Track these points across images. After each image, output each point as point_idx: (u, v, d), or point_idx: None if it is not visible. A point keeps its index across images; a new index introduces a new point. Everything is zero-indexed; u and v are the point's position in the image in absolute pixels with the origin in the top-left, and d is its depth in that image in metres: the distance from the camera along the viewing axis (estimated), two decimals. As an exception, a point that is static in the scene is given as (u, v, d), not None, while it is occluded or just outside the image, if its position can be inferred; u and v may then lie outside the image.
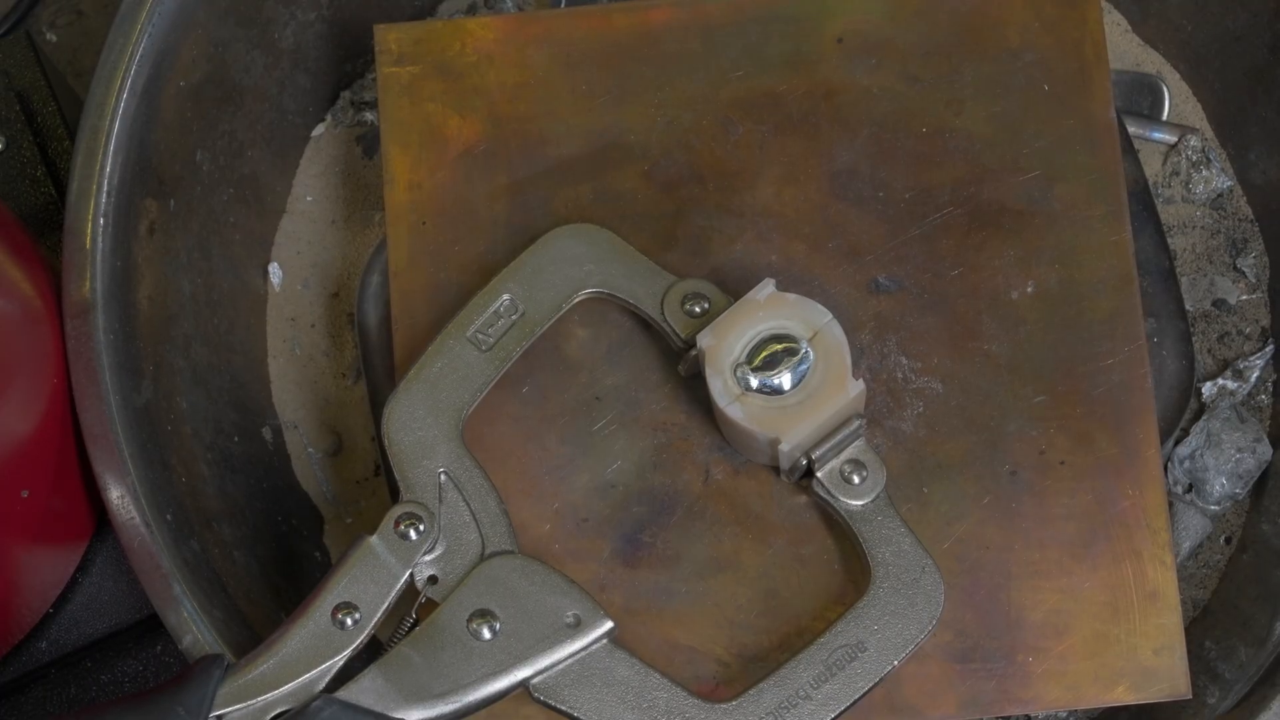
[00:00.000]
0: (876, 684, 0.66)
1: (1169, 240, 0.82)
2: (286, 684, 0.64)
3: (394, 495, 0.71)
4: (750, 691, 0.66)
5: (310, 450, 0.84)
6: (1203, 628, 0.78)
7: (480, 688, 0.65)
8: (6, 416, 0.69)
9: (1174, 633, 0.70)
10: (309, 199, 0.87)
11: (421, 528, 0.67)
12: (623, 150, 0.75)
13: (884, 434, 0.71)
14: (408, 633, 0.67)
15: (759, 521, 0.71)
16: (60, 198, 0.80)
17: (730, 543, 0.71)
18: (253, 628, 0.73)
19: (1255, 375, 0.81)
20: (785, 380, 0.68)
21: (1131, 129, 0.83)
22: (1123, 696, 0.69)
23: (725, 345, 0.68)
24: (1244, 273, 0.83)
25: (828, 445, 0.68)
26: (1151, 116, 0.85)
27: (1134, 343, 0.72)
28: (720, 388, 0.68)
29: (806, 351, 0.68)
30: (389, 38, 0.76)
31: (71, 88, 0.88)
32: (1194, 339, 0.81)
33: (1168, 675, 0.69)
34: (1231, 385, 0.81)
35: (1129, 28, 0.86)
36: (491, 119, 0.75)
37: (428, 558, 0.67)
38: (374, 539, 0.67)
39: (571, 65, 0.75)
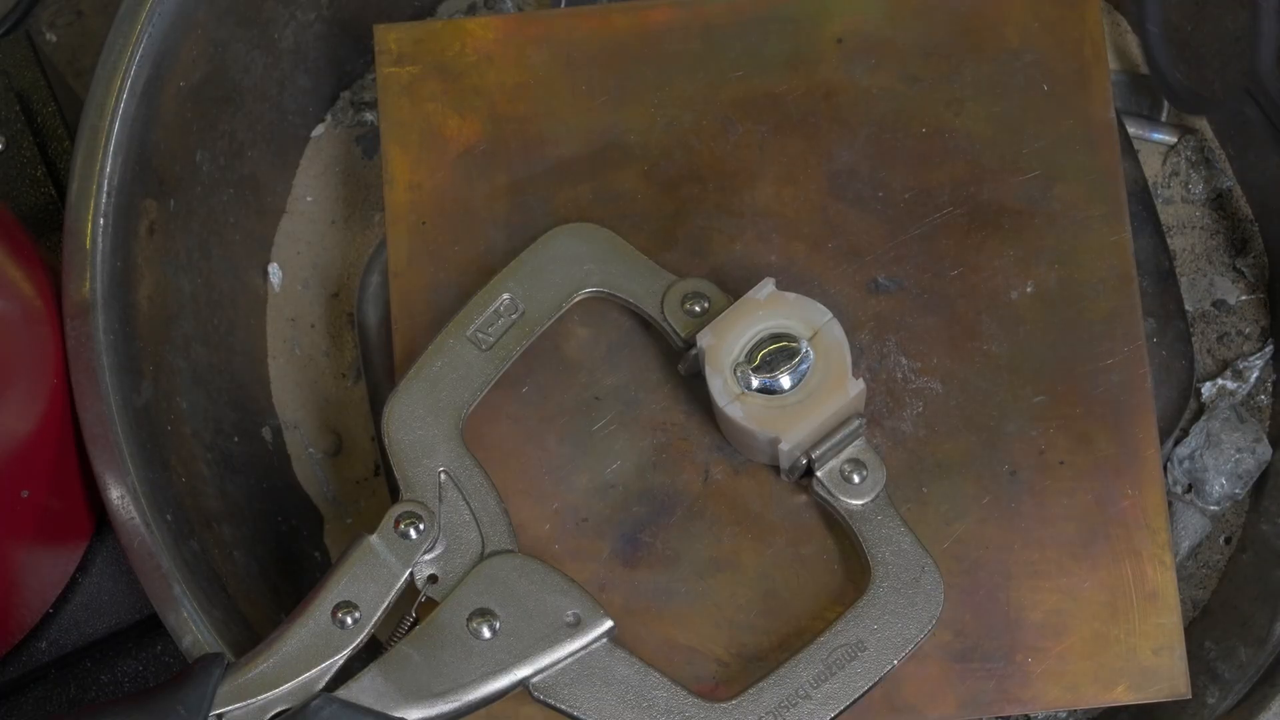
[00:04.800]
0: (876, 683, 0.66)
1: (1169, 240, 0.82)
2: (286, 683, 0.64)
3: (394, 495, 0.71)
4: (750, 691, 0.66)
5: (310, 450, 0.84)
6: (1202, 628, 0.78)
7: (480, 687, 0.65)
8: (6, 416, 0.69)
9: (1173, 633, 0.70)
10: (309, 199, 0.87)
11: (421, 527, 0.67)
12: (623, 150, 0.75)
13: (884, 434, 0.71)
14: (407, 632, 0.67)
15: (758, 521, 0.71)
16: (60, 198, 0.80)
17: (730, 543, 0.71)
18: (253, 628, 0.73)
19: (1255, 375, 0.81)
20: (785, 380, 0.68)
21: (1131, 129, 0.83)
22: (1122, 696, 0.69)
23: (725, 344, 0.68)
24: (1244, 273, 0.83)
25: (828, 445, 0.68)
26: (1151, 117, 0.85)
27: (1133, 343, 0.72)
28: (720, 387, 0.68)
29: (806, 351, 0.68)
30: (389, 38, 0.76)
31: (71, 88, 0.88)
32: (1194, 339, 0.81)
33: (1167, 675, 0.69)
34: (1231, 385, 0.81)
35: (1129, 28, 0.86)
36: (491, 119, 0.75)
37: (428, 557, 0.67)
38: (374, 538, 0.67)
39: (571, 65, 0.75)
